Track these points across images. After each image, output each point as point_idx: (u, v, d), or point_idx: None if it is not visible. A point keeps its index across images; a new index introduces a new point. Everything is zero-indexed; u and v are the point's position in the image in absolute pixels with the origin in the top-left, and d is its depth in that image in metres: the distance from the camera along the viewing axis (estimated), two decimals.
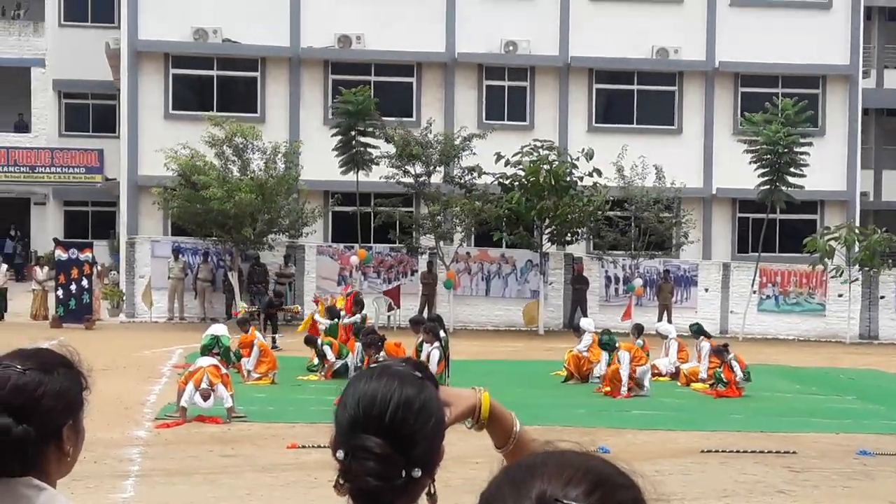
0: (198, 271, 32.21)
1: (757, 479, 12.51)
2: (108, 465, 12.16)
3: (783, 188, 31.72)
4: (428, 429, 2.25)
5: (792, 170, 31.44)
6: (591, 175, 30.02)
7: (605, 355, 20.35)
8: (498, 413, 2.61)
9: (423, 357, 17.56)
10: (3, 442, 2.41)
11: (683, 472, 12.65)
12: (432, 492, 2.30)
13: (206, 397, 15.32)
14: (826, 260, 31.50)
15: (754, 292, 33.41)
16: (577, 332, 23.09)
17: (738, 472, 12.88)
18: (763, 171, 31.76)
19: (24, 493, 2.46)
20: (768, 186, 31.78)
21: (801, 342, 32.67)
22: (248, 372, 19.96)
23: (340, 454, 2.20)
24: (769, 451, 14.16)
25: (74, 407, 2.60)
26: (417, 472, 2.19)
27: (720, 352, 20.30)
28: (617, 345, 20.05)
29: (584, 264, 33.69)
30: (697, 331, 22.40)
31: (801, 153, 31.38)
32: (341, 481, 2.19)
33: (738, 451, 14.11)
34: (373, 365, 2.45)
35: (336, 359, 20.92)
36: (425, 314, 27.20)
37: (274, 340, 24.77)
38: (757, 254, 33.13)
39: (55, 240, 34.92)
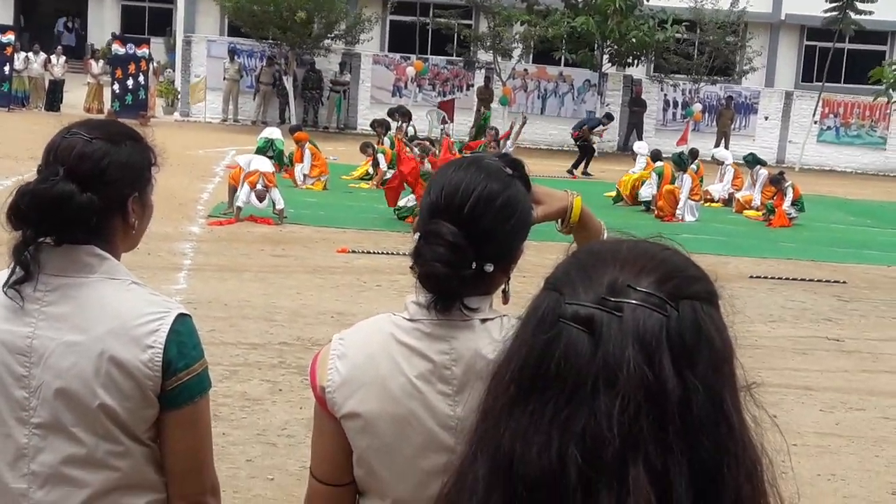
0: (260, 74, 31.95)
1: (805, 306, 12.48)
2: (162, 257, 12.34)
3: (852, 14, 30.68)
4: (507, 226, 2.22)
5: None
6: None
7: (654, 177, 20.20)
8: (587, 219, 2.57)
9: None
10: (67, 209, 2.39)
11: (731, 297, 12.59)
12: (507, 290, 2.31)
13: (261, 198, 15.54)
14: (890, 91, 30.62)
15: (815, 122, 32.81)
16: (632, 154, 22.96)
17: (785, 298, 12.84)
18: None
19: (86, 260, 2.45)
20: (836, 13, 30.77)
21: (859, 175, 32.25)
22: (305, 176, 19.96)
23: (416, 237, 2.19)
24: (818, 280, 14.10)
25: (141, 180, 2.58)
26: (489, 268, 2.16)
27: (777, 180, 20.04)
28: (688, 167, 19.96)
29: (644, 87, 33.12)
30: (753, 160, 22.04)
31: None
32: (412, 265, 2.19)
33: (787, 279, 14.06)
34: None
35: (388, 168, 20.89)
36: None
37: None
38: (821, 83, 32.37)
39: (113, 34, 34.80)
